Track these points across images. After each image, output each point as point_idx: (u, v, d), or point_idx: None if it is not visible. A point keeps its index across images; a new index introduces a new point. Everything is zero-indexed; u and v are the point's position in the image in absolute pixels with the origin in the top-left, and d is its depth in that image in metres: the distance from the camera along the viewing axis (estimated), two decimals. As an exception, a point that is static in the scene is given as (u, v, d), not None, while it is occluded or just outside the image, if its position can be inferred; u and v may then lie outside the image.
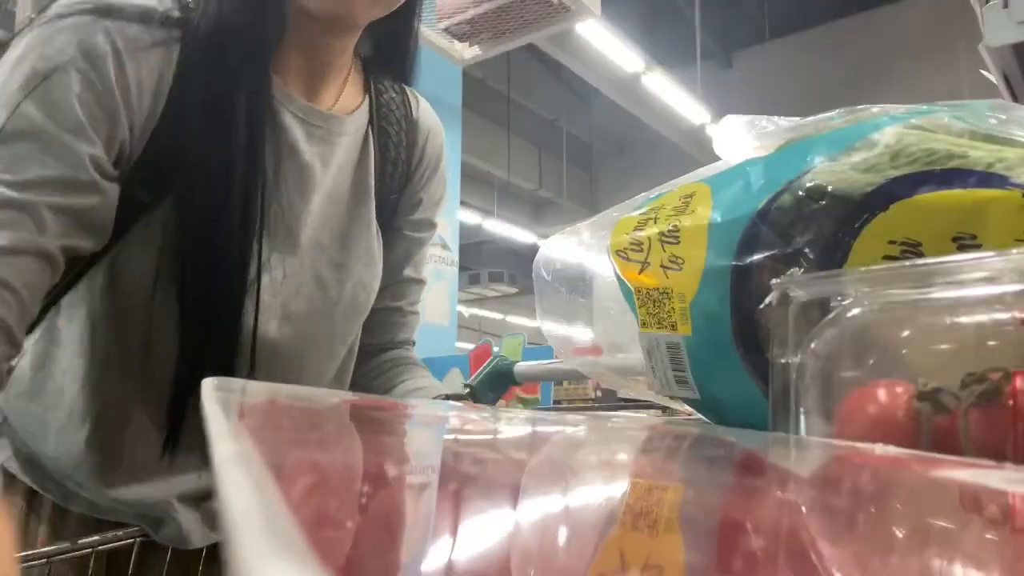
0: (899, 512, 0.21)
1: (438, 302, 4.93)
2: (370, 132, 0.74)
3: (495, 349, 1.71)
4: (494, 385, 1.35)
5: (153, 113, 0.59)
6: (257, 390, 0.33)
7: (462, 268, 6.57)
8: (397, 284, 0.81)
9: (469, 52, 3.47)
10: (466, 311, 12.11)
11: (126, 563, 0.64)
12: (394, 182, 0.77)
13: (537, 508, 0.19)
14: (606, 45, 5.81)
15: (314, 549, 0.09)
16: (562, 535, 0.16)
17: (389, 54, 0.77)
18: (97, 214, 0.56)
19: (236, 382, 0.31)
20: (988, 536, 0.18)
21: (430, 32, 3.30)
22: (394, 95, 0.78)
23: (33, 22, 0.59)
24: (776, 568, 0.14)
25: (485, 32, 3.32)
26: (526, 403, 2.94)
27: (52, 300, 0.65)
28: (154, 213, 0.61)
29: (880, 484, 0.25)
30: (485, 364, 1.37)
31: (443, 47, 3.41)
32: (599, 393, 2.72)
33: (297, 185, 0.67)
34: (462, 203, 5.95)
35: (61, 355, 0.65)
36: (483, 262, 10.47)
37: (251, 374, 0.64)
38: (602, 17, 3.47)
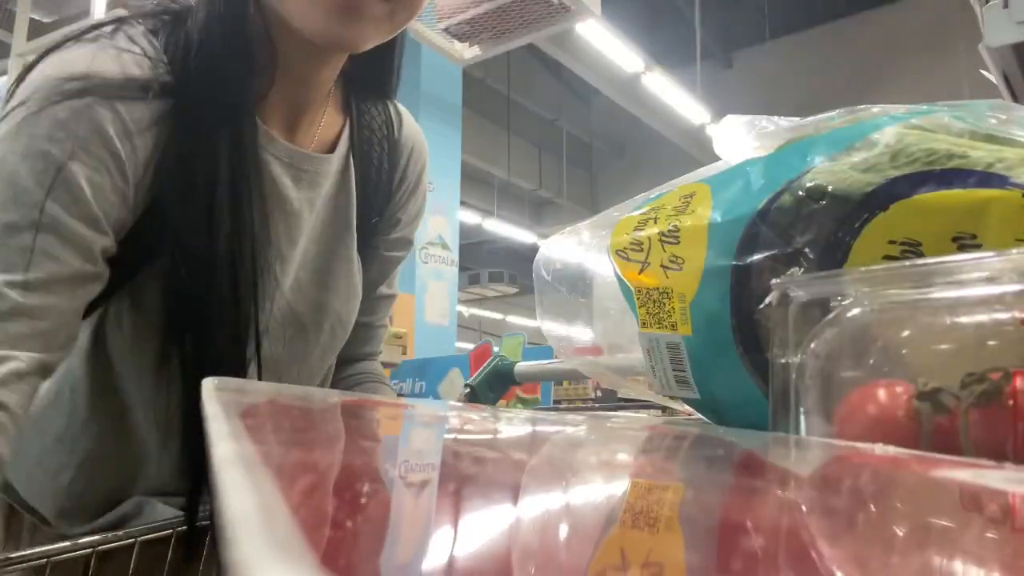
0: (898, 512, 0.21)
1: (438, 302, 4.93)
2: (350, 161, 0.72)
3: (495, 349, 1.71)
4: (494, 385, 1.35)
5: (151, 184, 0.58)
6: (257, 390, 0.33)
7: (462, 268, 6.57)
8: (370, 301, 0.79)
9: (469, 52, 3.47)
10: (466, 311, 12.11)
11: (126, 563, 0.64)
12: (374, 207, 0.75)
13: (536, 508, 0.19)
14: (606, 45, 5.81)
15: (312, 550, 0.09)
16: (561, 535, 0.16)
17: (372, 72, 0.74)
18: (91, 298, 0.56)
19: (236, 382, 0.31)
20: (988, 535, 0.18)
21: (430, 32, 3.30)
22: (376, 115, 0.75)
23: (11, 108, 0.54)
24: (775, 568, 0.14)
25: (485, 32, 3.32)
26: (526, 403, 2.94)
27: None
28: (142, 287, 0.60)
29: (879, 484, 0.25)
30: (485, 364, 1.37)
31: (443, 47, 3.41)
32: (599, 393, 2.72)
33: (287, 234, 0.66)
34: (462, 203, 5.95)
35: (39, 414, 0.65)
36: (483, 262, 10.46)
37: None
38: (602, 17, 3.47)
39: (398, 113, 0.78)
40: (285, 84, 0.64)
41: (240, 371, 0.62)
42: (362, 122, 0.73)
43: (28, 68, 0.56)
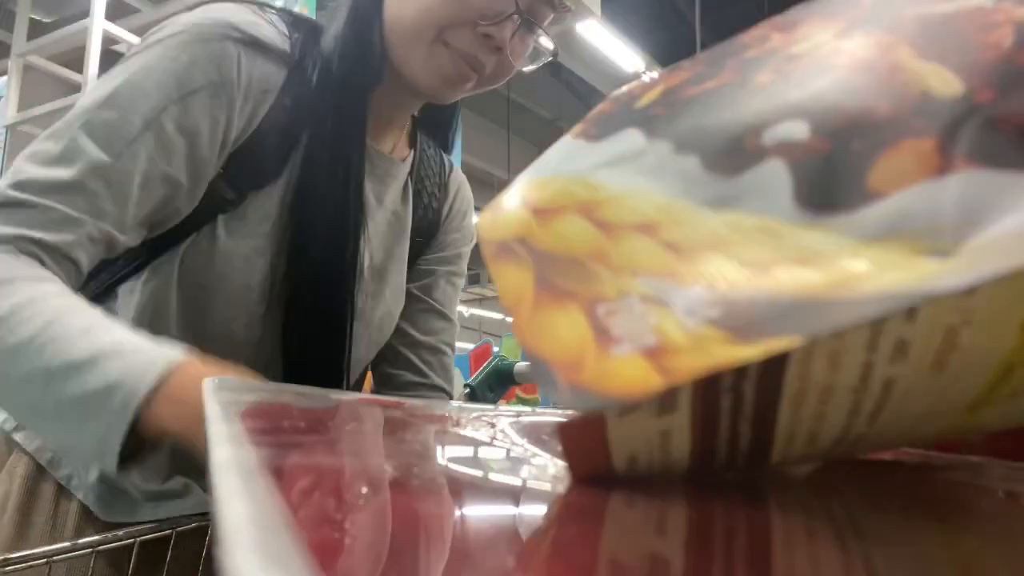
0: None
1: (438, 302, 4.92)
2: (410, 181, 0.80)
3: (495, 349, 1.72)
4: (494, 385, 1.35)
5: (248, 126, 0.65)
6: (260, 390, 0.33)
7: (462, 268, 6.56)
8: (417, 311, 0.86)
9: (469, 52, 3.47)
10: (466, 311, 12.11)
11: (126, 563, 0.64)
12: (420, 230, 0.83)
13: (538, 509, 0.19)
14: (606, 45, 5.81)
15: (310, 561, 0.09)
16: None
17: (436, 120, 0.86)
18: (174, 208, 0.62)
19: (239, 381, 0.31)
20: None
21: (430, 32, 3.29)
22: (433, 156, 0.85)
23: (177, 27, 0.62)
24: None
25: (485, 32, 3.32)
26: (526, 403, 2.94)
27: (109, 283, 0.67)
28: (245, 212, 0.65)
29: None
30: (485, 364, 1.38)
31: (443, 47, 3.41)
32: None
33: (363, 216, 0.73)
34: (462, 203, 5.95)
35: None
36: (483, 262, 10.45)
37: None
38: (602, 17, 3.47)
39: (450, 162, 0.89)
40: (382, 98, 0.72)
41: (341, 326, 0.69)
42: (423, 158, 0.83)
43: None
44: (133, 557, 0.64)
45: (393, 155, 0.77)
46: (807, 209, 0.17)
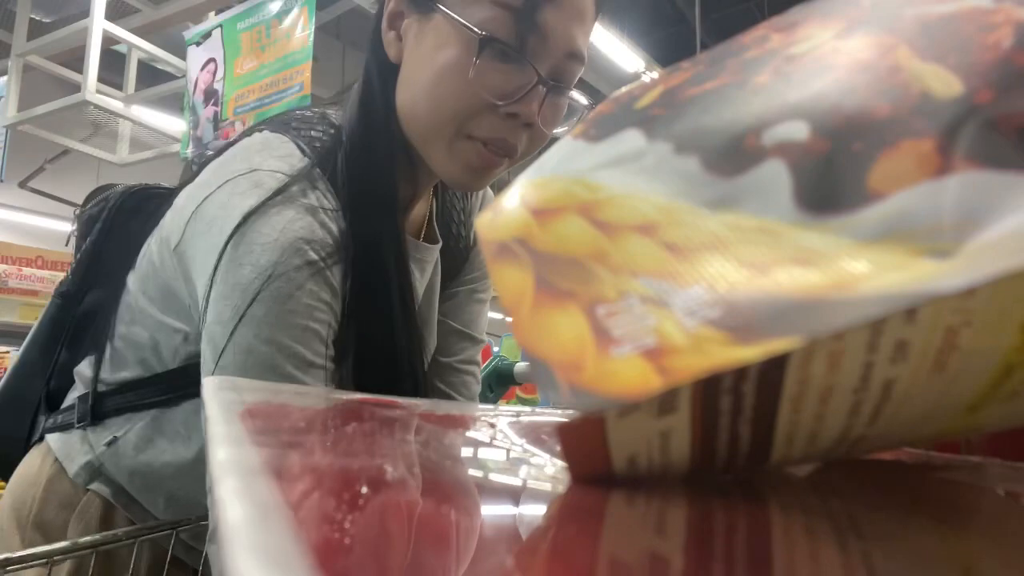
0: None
1: (438, 302, 4.92)
2: (435, 226, 0.79)
3: (495, 349, 1.71)
4: (494, 385, 1.35)
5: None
6: (259, 389, 0.33)
7: (462, 268, 6.55)
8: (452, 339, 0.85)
9: (469, 52, 3.46)
10: (466, 311, 12.10)
11: (126, 563, 0.64)
12: (452, 267, 0.83)
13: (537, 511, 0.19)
14: (606, 45, 5.81)
15: (310, 564, 0.09)
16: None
17: None
18: None
19: (239, 381, 0.31)
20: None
21: (430, 32, 3.29)
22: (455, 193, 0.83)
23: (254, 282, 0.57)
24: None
25: (485, 32, 3.32)
26: (526, 403, 2.93)
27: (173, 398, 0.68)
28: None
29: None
30: (485, 364, 1.37)
31: (443, 47, 3.41)
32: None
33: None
34: (462, 203, 5.95)
35: (164, 444, 0.68)
36: (483, 262, 10.46)
37: None
38: (602, 17, 3.47)
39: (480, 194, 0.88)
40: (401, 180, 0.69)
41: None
42: (445, 200, 0.81)
43: (237, 226, 0.57)
44: (133, 557, 0.64)
45: (415, 231, 0.76)
46: (807, 209, 0.17)
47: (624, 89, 0.28)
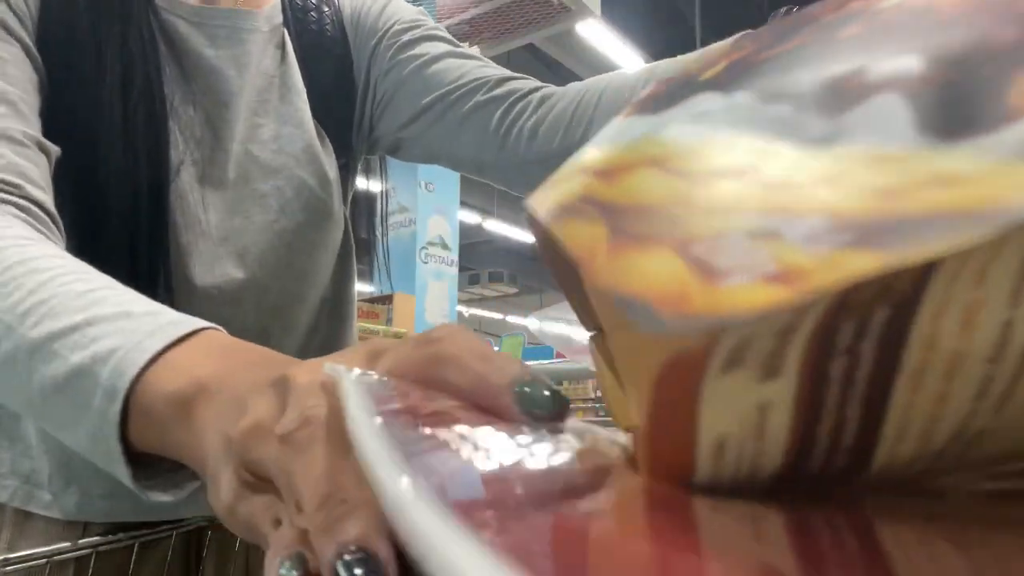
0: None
1: (438, 302, 4.92)
2: (286, 27, 0.66)
3: (495, 349, 1.71)
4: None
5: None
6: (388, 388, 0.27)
7: (462, 268, 6.57)
8: (455, 94, 0.66)
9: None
10: (466, 311, 12.10)
11: (126, 563, 0.64)
12: (327, 74, 0.67)
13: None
14: (606, 45, 5.81)
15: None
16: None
17: None
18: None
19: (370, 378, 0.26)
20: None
21: (430, 32, 3.30)
22: None
23: None
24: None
25: (485, 32, 3.33)
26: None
27: None
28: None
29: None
30: (485, 364, 1.37)
31: (443, 47, 3.41)
32: (599, 393, 2.72)
33: (212, 95, 0.60)
34: (462, 203, 5.94)
35: None
36: (483, 262, 10.46)
37: None
38: (602, 17, 3.47)
39: None
40: None
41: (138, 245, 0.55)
42: None
43: None
44: (133, 557, 0.64)
45: (241, 4, 0.62)
46: (934, 135, 0.16)
47: (676, 72, 0.26)
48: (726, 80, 0.21)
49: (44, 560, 0.59)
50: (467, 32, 3.34)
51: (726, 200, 0.17)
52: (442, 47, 0.68)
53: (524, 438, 0.20)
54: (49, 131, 0.51)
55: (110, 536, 0.63)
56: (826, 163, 0.16)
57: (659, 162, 0.19)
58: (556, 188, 0.21)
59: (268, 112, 0.64)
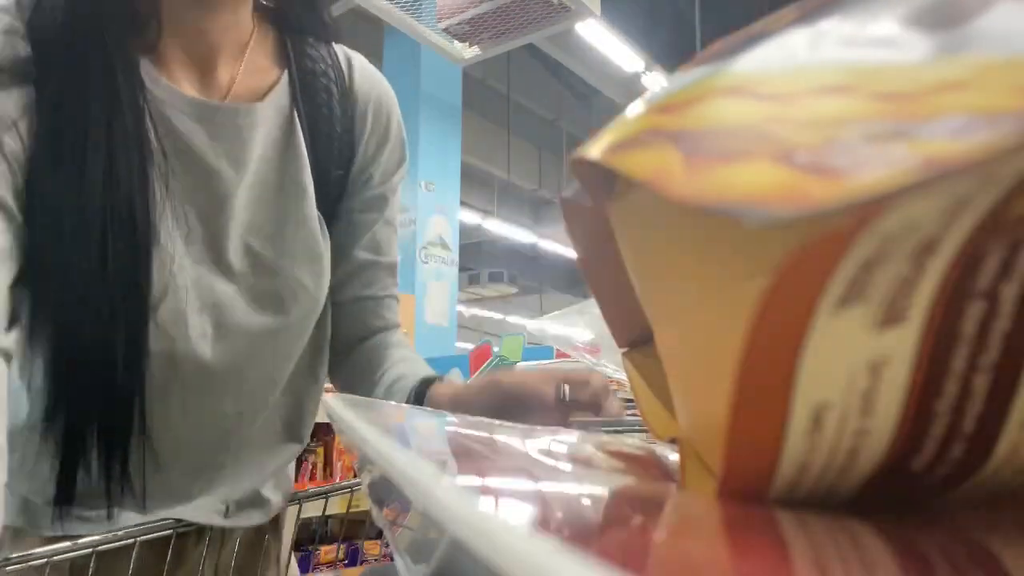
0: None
1: (438, 302, 4.92)
2: (295, 115, 0.65)
3: (495, 349, 1.71)
4: (494, 385, 1.35)
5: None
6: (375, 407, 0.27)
7: (462, 268, 6.57)
8: (359, 269, 0.71)
9: (469, 52, 3.47)
10: (466, 311, 12.11)
11: (126, 563, 0.64)
12: (332, 161, 0.67)
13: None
14: (606, 45, 5.81)
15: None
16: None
17: (298, 13, 0.68)
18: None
19: (357, 399, 0.26)
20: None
21: (430, 32, 3.30)
22: (319, 60, 0.67)
23: None
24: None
25: (485, 32, 3.32)
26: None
27: None
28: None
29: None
30: (485, 364, 1.37)
31: (443, 47, 3.41)
32: (599, 393, 2.71)
33: (208, 193, 0.61)
34: (462, 203, 5.94)
35: None
36: (483, 262, 10.47)
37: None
38: (602, 17, 3.47)
39: (348, 59, 0.70)
40: (180, 34, 0.60)
41: (113, 359, 0.56)
42: (303, 69, 0.66)
43: None
44: (133, 557, 0.64)
45: (240, 93, 0.63)
46: None
47: (740, 33, 0.22)
48: (803, 18, 0.19)
49: (44, 560, 0.59)
50: (467, 32, 3.34)
51: (832, 114, 0.14)
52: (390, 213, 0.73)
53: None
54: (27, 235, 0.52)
55: (110, 535, 0.63)
56: (950, 71, 0.14)
57: (738, 90, 0.17)
58: (610, 133, 0.19)
59: (270, 210, 0.64)
